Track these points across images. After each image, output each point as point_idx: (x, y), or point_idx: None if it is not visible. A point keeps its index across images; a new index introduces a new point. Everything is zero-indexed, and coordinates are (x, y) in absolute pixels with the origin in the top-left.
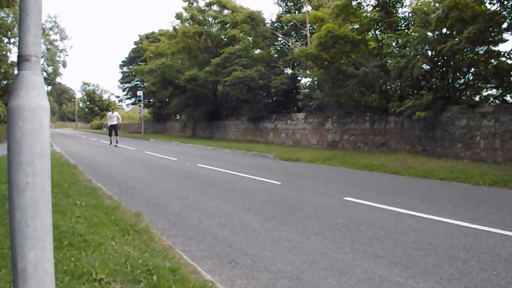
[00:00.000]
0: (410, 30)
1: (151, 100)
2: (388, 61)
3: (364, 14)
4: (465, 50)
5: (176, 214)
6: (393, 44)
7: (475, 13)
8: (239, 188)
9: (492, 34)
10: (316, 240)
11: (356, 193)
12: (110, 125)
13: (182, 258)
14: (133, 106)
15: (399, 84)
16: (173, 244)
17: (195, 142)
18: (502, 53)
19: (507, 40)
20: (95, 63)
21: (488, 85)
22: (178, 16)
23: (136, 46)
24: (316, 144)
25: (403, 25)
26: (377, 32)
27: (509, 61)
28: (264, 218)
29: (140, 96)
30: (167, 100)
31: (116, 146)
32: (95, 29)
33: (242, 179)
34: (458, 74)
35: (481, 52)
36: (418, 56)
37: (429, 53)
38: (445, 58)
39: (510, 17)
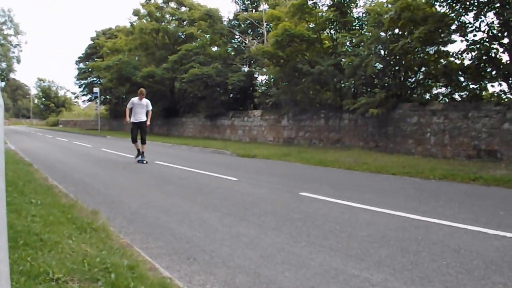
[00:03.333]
0: (364, 30)
1: (108, 96)
2: (342, 59)
3: (320, 14)
4: (416, 49)
5: (133, 211)
6: (348, 43)
7: (426, 14)
8: (197, 185)
9: (442, 35)
10: (273, 235)
11: (311, 189)
12: (134, 122)
13: (140, 255)
14: (89, 103)
15: (353, 82)
16: (131, 241)
17: (152, 139)
18: (451, 54)
19: (456, 41)
20: (50, 59)
21: (438, 83)
22: (136, 12)
23: (92, 42)
24: (273, 140)
25: (357, 25)
26: (332, 31)
27: (457, 61)
28: (221, 214)
29: (96, 93)
30: (124, 96)
31: (143, 162)
32: (51, 24)
33: (200, 176)
34: (409, 73)
35: (431, 52)
36: (371, 55)
37: (382, 52)
38: (397, 57)
39: (458, 19)
